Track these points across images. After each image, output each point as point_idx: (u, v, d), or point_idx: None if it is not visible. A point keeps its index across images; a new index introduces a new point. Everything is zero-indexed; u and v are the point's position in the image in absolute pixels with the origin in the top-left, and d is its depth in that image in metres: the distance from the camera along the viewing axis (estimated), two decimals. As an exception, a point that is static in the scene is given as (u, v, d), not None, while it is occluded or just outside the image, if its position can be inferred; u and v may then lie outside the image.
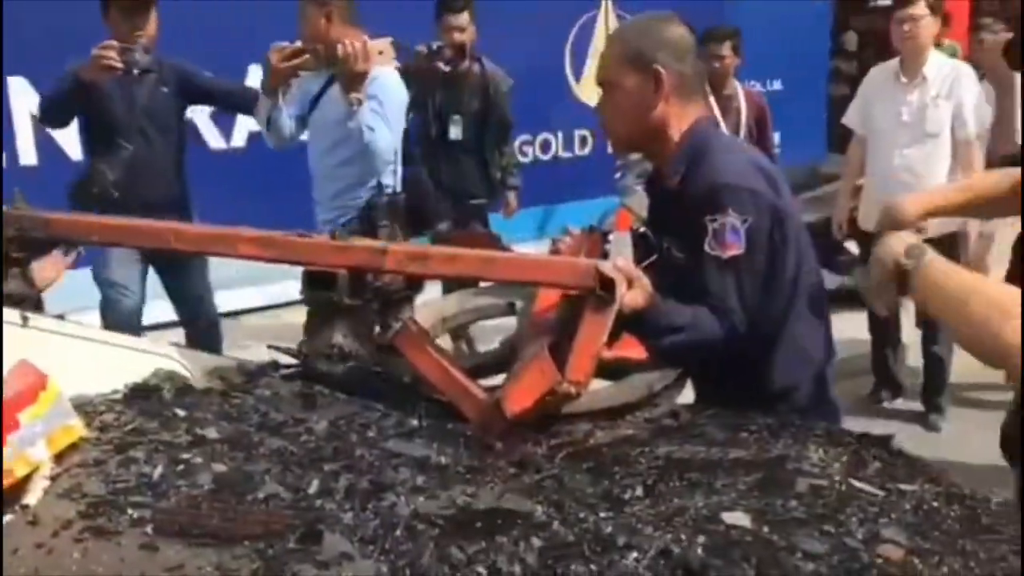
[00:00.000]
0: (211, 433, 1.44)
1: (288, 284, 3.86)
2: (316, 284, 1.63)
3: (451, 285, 2.60)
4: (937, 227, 2.56)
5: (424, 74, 4.33)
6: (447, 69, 4.37)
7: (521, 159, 6.49)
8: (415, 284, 1.72)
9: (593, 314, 1.51)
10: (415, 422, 1.48)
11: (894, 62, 4.10)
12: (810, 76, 7.99)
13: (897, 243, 1.48)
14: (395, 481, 1.25)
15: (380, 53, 3.28)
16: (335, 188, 3.60)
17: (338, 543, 1.09)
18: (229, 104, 4.32)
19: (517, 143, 6.46)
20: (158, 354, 1.80)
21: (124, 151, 3.60)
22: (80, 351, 1.73)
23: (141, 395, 1.60)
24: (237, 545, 1.09)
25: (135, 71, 3.48)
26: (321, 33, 3.43)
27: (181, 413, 1.52)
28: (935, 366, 4.20)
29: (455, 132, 4.54)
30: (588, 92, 6.72)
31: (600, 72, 1.97)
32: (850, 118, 4.28)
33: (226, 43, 5.04)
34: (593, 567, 1.03)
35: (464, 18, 4.43)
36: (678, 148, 1.89)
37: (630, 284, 1.56)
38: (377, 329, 1.63)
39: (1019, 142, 2.81)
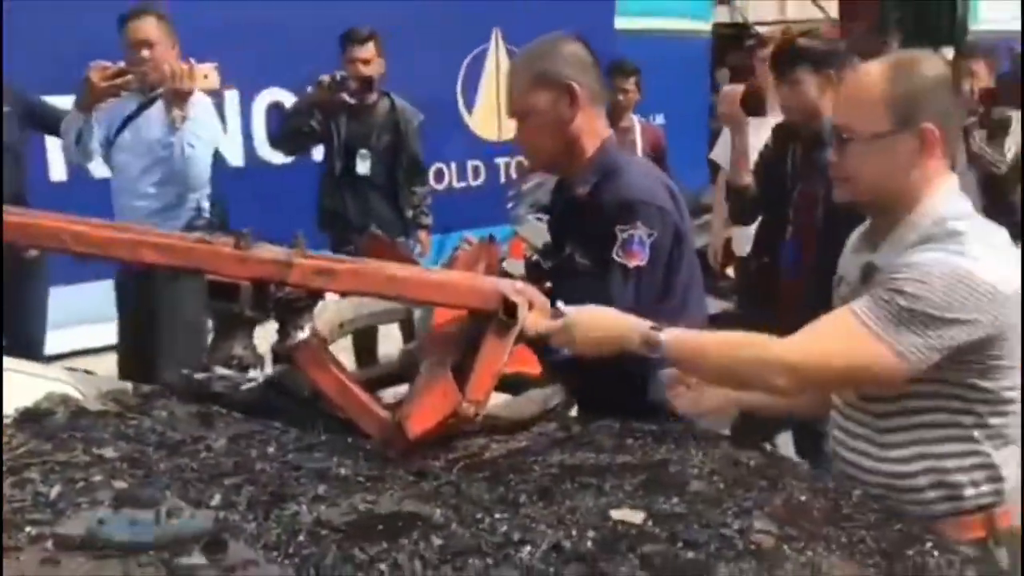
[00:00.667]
0: (108, 452, 1.45)
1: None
2: (218, 295, 1.62)
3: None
4: None
5: (328, 106, 4.33)
6: (352, 101, 4.36)
7: (414, 189, 6.56)
8: (317, 294, 1.74)
9: (495, 337, 1.57)
10: (315, 437, 1.52)
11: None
12: (692, 110, 8.31)
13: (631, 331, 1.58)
14: (296, 492, 1.29)
15: (205, 76, 3.44)
16: (149, 209, 3.60)
17: (242, 551, 1.12)
18: (43, 125, 4.12)
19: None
20: (49, 378, 1.79)
21: None
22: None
23: (33, 418, 1.59)
24: (142, 555, 1.11)
25: None
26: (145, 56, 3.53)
27: (76, 435, 1.52)
28: None
29: (363, 167, 4.45)
30: (480, 124, 6.85)
31: (513, 104, 2.01)
32: (716, 153, 4.50)
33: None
34: (489, 560, 1.09)
35: (369, 50, 4.40)
36: (590, 161, 1.98)
37: (531, 306, 1.63)
38: (276, 338, 1.64)
39: (749, 179, 3.23)
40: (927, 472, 1.53)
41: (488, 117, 6.88)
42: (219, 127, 3.79)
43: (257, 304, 1.65)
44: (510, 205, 5.39)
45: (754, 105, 3.28)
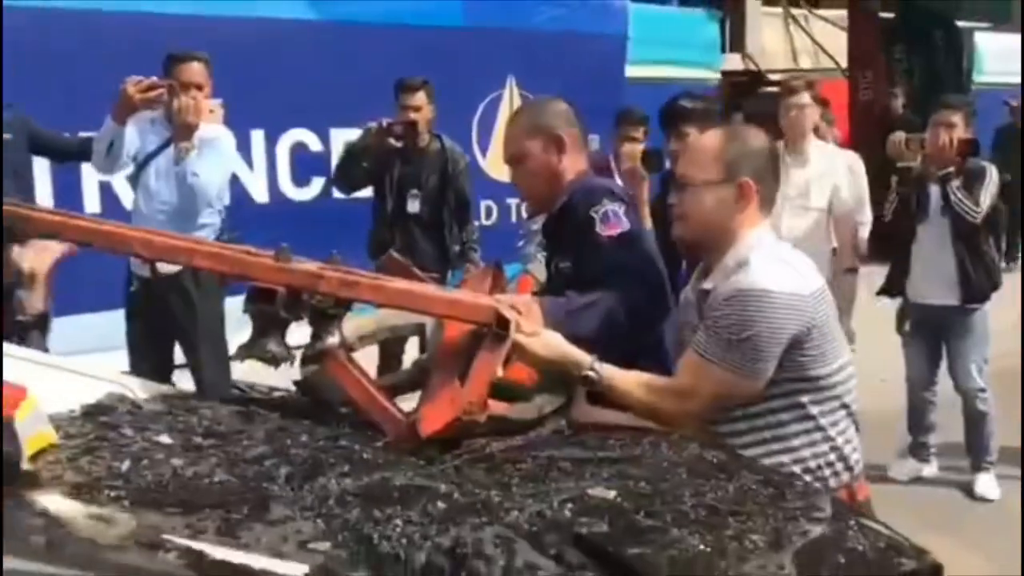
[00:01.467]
0: (164, 439, 1.71)
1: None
2: (258, 298, 1.90)
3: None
4: None
5: (378, 150, 4.67)
6: (399, 145, 4.70)
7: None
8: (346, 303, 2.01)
9: (489, 347, 1.83)
10: (341, 431, 1.77)
11: (779, 144, 4.66)
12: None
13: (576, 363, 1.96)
14: (325, 469, 1.54)
15: (211, 112, 4.03)
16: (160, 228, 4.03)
17: (282, 510, 1.37)
18: (68, 155, 4.65)
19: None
20: (108, 380, 2.05)
21: None
22: (36, 375, 1.97)
23: (97, 412, 1.85)
24: (201, 512, 1.36)
25: None
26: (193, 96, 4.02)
27: (135, 426, 1.78)
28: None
29: (413, 206, 4.82)
30: (493, 166, 7.15)
31: (510, 149, 2.40)
32: None
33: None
34: (484, 519, 1.34)
35: (420, 97, 4.79)
36: (568, 187, 2.37)
37: (520, 312, 1.89)
38: (309, 341, 1.90)
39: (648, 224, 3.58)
40: (793, 463, 1.93)
41: (501, 160, 7.19)
42: (232, 158, 4.32)
43: (289, 307, 1.92)
44: (520, 244, 5.68)
45: (653, 163, 3.77)
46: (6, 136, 3.99)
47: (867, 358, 5.84)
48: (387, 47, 6.26)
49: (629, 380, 1.99)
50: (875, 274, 4.95)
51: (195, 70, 4.10)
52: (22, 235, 2.13)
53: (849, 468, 2.00)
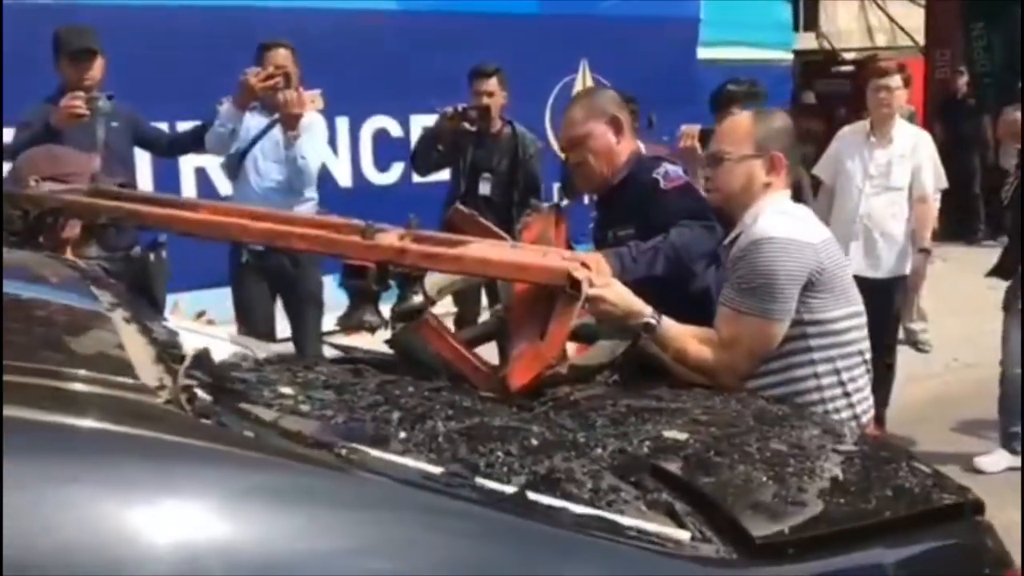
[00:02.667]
0: (287, 391, 1.94)
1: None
2: (352, 275, 2.13)
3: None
4: None
5: (452, 134, 4.90)
6: (472, 129, 4.92)
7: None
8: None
9: (563, 306, 2.03)
10: (442, 383, 1.99)
11: (865, 123, 4.75)
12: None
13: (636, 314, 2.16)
14: (432, 414, 1.76)
15: (312, 101, 4.37)
16: (273, 202, 4.33)
17: (399, 445, 1.59)
18: (163, 153, 4.96)
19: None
20: (232, 341, 2.31)
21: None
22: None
23: (227, 368, 2.09)
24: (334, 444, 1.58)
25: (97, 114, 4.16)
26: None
27: (261, 381, 2.02)
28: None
29: (485, 188, 5.01)
30: (567, 148, 7.31)
31: (572, 131, 2.65)
32: (820, 169, 4.90)
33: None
34: (572, 454, 1.54)
35: (492, 83, 4.99)
36: (624, 164, 2.63)
37: (589, 267, 2.09)
38: (396, 301, 2.13)
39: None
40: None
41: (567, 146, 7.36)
42: (325, 140, 4.76)
43: (380, 280, 2.14)
44: (592, 225, 5.85)
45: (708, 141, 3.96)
46: (113, 124, 4.32)
47: (940, 338, 5.92)
48: (464, 35, 6.46)
49: (684, 331, 2.21)
50: (947, 254, 4.99)
51: (282, 56, 4.45)
52: (134, 227, 2.39)
53: (855, 416, 2.20)
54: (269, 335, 4.41)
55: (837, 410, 2.17)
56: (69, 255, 2.26)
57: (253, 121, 4.51)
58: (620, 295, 2.16)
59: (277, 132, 4.46)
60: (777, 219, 2.22)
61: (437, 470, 1.35)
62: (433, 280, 2.42)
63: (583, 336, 2.17)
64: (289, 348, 4.12)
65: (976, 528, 1.52)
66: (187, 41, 5.50)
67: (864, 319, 2.27)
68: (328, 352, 2.68)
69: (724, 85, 4.12)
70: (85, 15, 4.83)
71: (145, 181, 5.48)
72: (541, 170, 5.21)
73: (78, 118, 4.01)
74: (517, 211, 5.09)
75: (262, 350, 2.32)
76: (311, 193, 4.59)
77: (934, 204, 4.70)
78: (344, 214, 5.19)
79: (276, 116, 4.42)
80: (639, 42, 7.40)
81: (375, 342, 2.38)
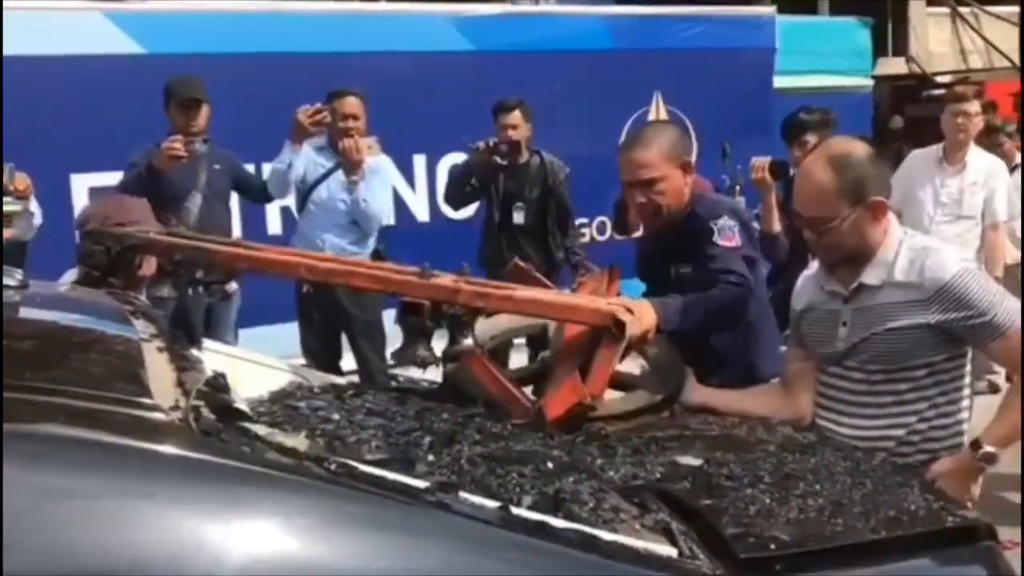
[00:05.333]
0: (333, 416, 2.07)
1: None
2: (409, 312, 2.26)
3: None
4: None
5: (485, 167, 5.07)
6: (503, 162, 5.08)
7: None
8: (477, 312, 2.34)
9: (607, 346, 2.11)
10: (476, 410, 2.09)
11: (937, 147, 4.70)
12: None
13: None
14: (461, 438, 1.86)
15: (369, 147, 4.64)
16: (340, 245, 4.70)
17: (426, 467, 1.70)
18: (255, 197, 5.21)
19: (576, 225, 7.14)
20: (288, 371, 2.46)
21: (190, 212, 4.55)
22: (235, 367, 2.39)
23: (280, 396, 2.24)
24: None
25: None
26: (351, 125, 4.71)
27: (311, 407, 2.16)
28: None
29: (518, 218, 5.18)
30: (641, 179, 7.36)
31: (646, 172, 2.64)
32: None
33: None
34: (584, 475, 1.62)
35: (516, 116, 5.15)
36: (688, 205, 2.69)
37: (633, 312, 2.16)
38: (447, 343, 2.25)
39: (778, 228, 3.91)
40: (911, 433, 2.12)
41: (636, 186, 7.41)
42: (394, 181, 5.18)
43: (434, 317, 2.26)
44: (640, 259, 5.89)
45: (780, 172, 4.00)
46: (215, 167, 4.63)
47: None
48: (539, 73, 6.62)
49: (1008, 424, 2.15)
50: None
51: (351, 103, 4.76)
52: (208, 267, 2.57)
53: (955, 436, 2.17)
54: (334, 366, 4.61)
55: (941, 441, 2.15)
56: (143, 295, 2.46)
57: (320, 159, 4.79)
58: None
59: (340, 175, 4.75)
60: (955, 251, 2.24)
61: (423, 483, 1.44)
62: (484, 327, 2.55)
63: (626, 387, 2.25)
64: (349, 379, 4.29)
65: (986, 553, 1.54)
66: (273, 88, 5.78)
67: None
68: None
69: (796, 113, 4.16)
70: (180, 65, 5.13)
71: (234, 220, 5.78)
72: (571, 195, 5.34)
73: (177, 160, 4.34)
74: (552, 238, 5.21)
75: (319, 380, 2.47)
76: (373, 234, 4.86)
77: (1007, 233, 4.60)
78: (421, 249, 5.42)
79: (338, 162, 4.74)
80: (714, 73, 7.43)
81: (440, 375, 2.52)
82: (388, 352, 5.20)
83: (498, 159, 5.07)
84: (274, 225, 6.12)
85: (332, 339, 4.97)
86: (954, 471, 2.03)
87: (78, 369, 1.38)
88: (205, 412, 1.24)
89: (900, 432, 2.13)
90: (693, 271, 2.59)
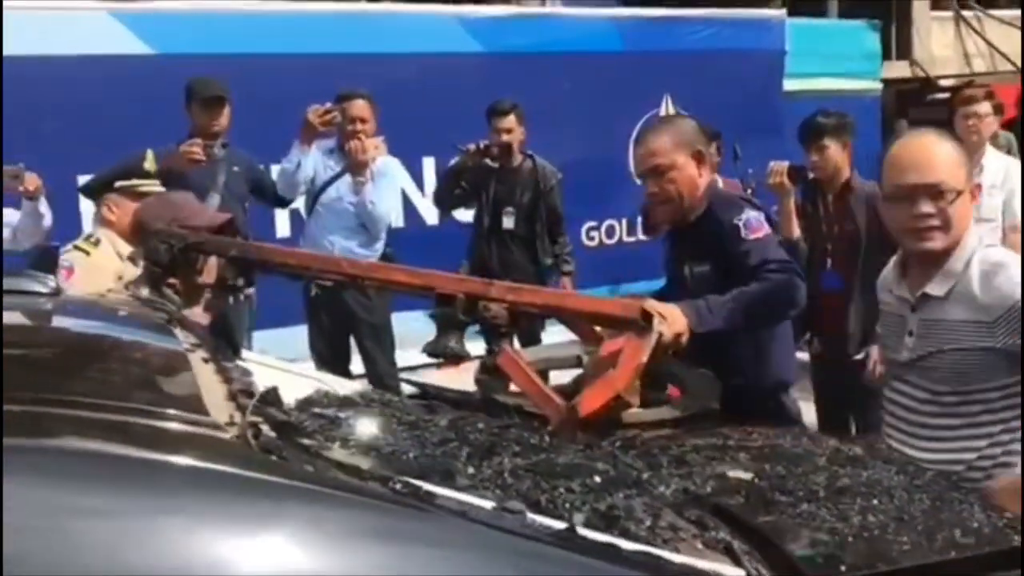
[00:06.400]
0: (371, 429, 2.01)
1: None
2: (441, 302, 2.22)
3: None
4: None
5: (476, 170, 5.01)
6: (495, 166, 5.03)
7: (588, 243, 7.11)
8: (516, 323, 2.29)
9: (635, 337, 2.07)
10: (512, 421, 2.04)
11: None
12: (861, 163, 8.50)
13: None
14: (500, 450, 1.80)
15: (376, 148, 4.65)
16: (350, 247, 4.69)
17: (466, 481, 1.64)
18: (271, 200, 5.15)
19: (584, 228, 7.08)
20: (315, 378, 2.40)
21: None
22: (261, 373, 2.33)
23: (309, 404, 2.18)
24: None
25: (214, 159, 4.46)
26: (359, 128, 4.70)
27: (340, 416, 2.10)
28: None
29: (508, 223, 5.13)
30: (650, 183, 7.31)
31: (655, 160, 2.60)
32: None
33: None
34: (635, 491, 1.56)
35: (510, 120, 5.09)
36: (703, 198, 2.63)
37: (665, 316, 2.11)
38: (484, 354, 2.20)
39: (797, 233, 3.94)
40: (982, 457, 2.01)
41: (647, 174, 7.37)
42: (402, 183, 5.29)
43: (467, 310, 2.22)
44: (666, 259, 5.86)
45: (797, 177, 4.01)
46: (234, 169, 4.59)
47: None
48: (549, 74, 6.57)
49: None
50: None
51: (359, 106, 4.72)
52: (259, 266, 2.55)
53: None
54: (344, 369, 4.57)
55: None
56: (201, 309, 2.40)
57: (329, 162, 4.76)
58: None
59: (348, 178, 4.75)
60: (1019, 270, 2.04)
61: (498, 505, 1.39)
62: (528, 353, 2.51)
63: (670, 378, 2.20)
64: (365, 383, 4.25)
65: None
66: (281, 90, 5.72)
67: None
68: (405, 388, 2.78)
69: (814, 117, 4.09)
70: (187, 66, 5.07)
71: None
72: (562, 202, 5.27)
73: (196, 163, 4.32)
74: (540, 243, 5.15)
75: (343, 387, 2.41)
76: (381, 236, 4.84)
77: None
78: (431, 251, 5.36)
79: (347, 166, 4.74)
80: (723, 75, 7.39)
81: (450, 379, 2.46)
82: (408, 354, 5.21)
83: (489, 162, 5.01)
84: (283, 227, 6.06)
85: (341, 342, 4.93)
86: (1010, 489, 1.93)
87: (126, 383, 1.32)
88: (264, 428, 1.18)
89: (971, 456, 2.03)
90: (716, 270, 2.55)
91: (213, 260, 2.54)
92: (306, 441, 1.26)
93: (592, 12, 7.63)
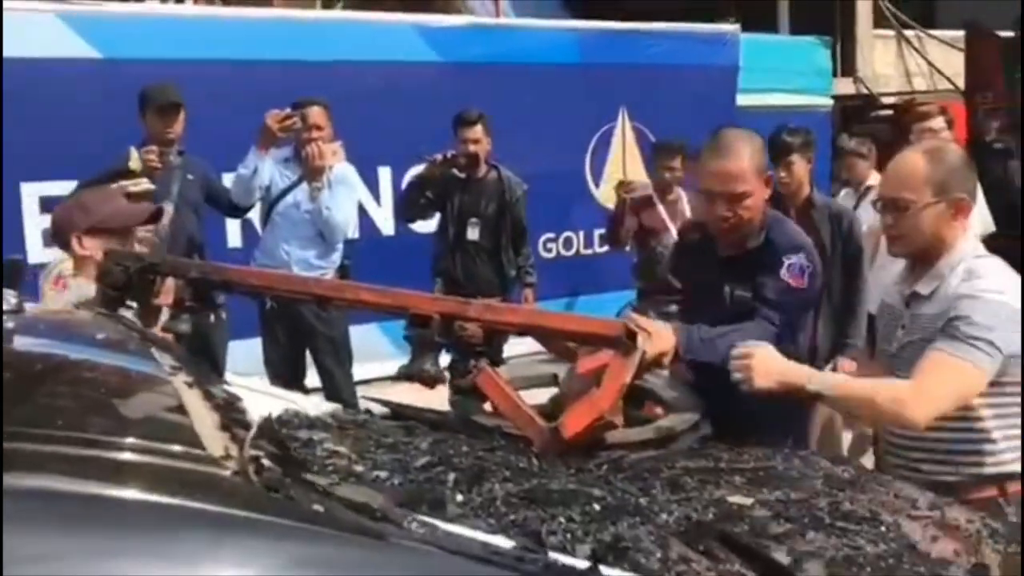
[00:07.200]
0: (342, 449, 1.92)
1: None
2: (416, 324, 2.12)
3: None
4: None
5: (440, 180, 4.94)
6: (461, 176, 4.96)
7: (545, 255, 7.06)
8: (491, 341, 2.22)
9: (619, 356, 2.00)
10: (496, 442, 1.95)
11: None
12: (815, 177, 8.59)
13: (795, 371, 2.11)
14: (488, 475, 1.72)
15: (333, 153, 4.57)
16: (306, 257, 4.62)
17: (455, 509, 1.56)
18: (226, 209, 5.01)
19: (542, 240, 7.03)
20: (284, 398, 2.29)
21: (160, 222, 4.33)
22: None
23: (278, 424, 2.08)
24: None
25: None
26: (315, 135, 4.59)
27: (313, 438, 2.00)
28: None
29: (473, 234, 5.05)
30: (606, 195, 7.32)
31: (733, 184, 2.49)
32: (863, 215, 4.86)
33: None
34: (637, 519, 1.49)
35: (477, 131, 5.02)
36: (761, 224, 2.58)
37: (649, 334, 2.05)
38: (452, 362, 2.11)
39: None
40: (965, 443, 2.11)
41: (612, 191, 7.37)
42: (358, 192, 5.07)
43: (444, 332, 2.13)
44: (672, 269, 5.80)
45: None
46: (189, 177, 4.44)
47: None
48: (507, 85, 6.52)
49: (855, 390, 2.16)
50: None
51: (316, 113, 4.63)
52: (223, 286, 2.43)
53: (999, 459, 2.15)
54: (298, 383, 4.45)
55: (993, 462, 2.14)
56: (159, 329, 2.28)
57: (286, 171, 4.67)
58: (773, 354, 2.14)
59: (304, 186, 4.65)
60: (1010, 283, 2.14)
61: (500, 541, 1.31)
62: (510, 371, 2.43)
63: (649, 396, 2.13)
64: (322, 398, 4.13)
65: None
66: (235, 97, 5.58)
67: None
68: (363, 405, 2.67)
69: (780, 134, 4.12)
70: (138, 71, 4.92)
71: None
72: (526, 213, 5.24)
73: (153, 170, 4.17)
74: (505, 255, 5.10)
75: (312, 407, 2.31)
76: (338, 246, 4.76)
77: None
78: (387, 261, 5.24)
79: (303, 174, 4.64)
80: (679, 89, 7.42)
81: (407, 395, 2.38)
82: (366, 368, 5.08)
83: (455, 172, 4.95)
84: (234, 238, 5.91)
85: (296, 355, 4.81)
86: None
87: (112, 413, 1.20)
88: (266, 463, 1.09)
89: (942, 447, 2.14)
90: (754, 298, 2.51)
91: (170, 281, 2.42)
92: (312, 478, 1.16)
93: (550, 24, 7.61)
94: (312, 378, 4.89)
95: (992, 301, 2.08)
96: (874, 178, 5.19)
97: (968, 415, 2.12)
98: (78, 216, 2.70)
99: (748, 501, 1.63)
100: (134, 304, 2.24)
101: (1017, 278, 2.17)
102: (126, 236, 2.70)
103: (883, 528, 1.53)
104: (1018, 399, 2.10)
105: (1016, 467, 2.11)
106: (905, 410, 2.05)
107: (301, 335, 4.72)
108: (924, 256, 2.23)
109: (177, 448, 1.07)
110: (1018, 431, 2.11)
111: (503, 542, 1.23)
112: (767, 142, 4.19)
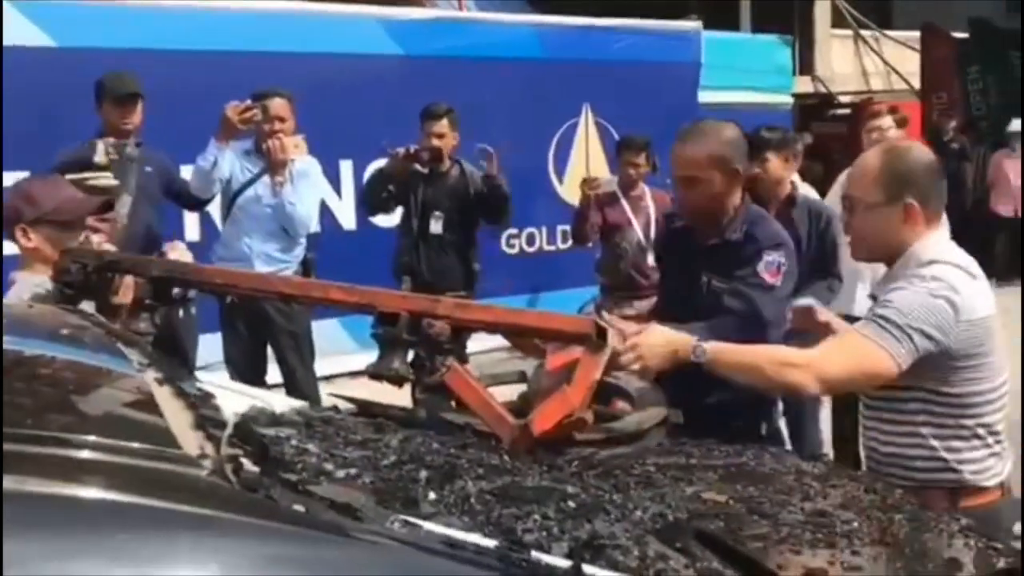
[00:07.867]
0: (312, 447, 1.88)
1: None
2: (384, 322, 2.09)
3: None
4: None
5: (404, 174, 4.90)
6: (424, 170, 4.93)
7: (508, 251, 7.05)
8: (459, 337, 2.19)
9: (589, 354, 1.99)
10: (467, 439, 1.93)
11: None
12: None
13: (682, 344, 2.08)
14: (461, 473, 1.70)
15: (296, 147, 4.46)
16: (267, 251, 4.56)
17: (428, 506, 1.53)
18: (185, 202, 4.95)
19: (504, 236, 7.01)
20: (252, 395, 2.25)
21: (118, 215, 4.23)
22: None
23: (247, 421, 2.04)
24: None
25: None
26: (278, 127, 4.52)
27: (281, 435, 1.96)
28: None
29: (436, 227, 5.01)
30: (569, 191, 7.32)
31: (686, 170, 2.55)
32: (830, 199, 4.89)
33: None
34: (613, 517, 1.48)
35: (444, 125, 4.98)
36: (737, 216, 2.59)
37: (624, 338, 2.04)
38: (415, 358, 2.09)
39: None
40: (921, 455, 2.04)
41: (577, 185, 7.37)
42: (321, 186, 4.92)
43: (411, 331, 2.10)
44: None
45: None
46: (147, 169, 4.35)
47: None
48: (468, 79, 6.48)
49: (748, 354, 2.09)
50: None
51: (278, 105, 4.53)
52: (191, 287, 2.38)
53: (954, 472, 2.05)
54: (259, 379, 4.38)
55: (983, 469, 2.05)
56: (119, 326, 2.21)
57: (248, 165, 4.57)
58: (659, 333, 2.11)
59: (266, 179, 4.55)
60: (961, 279, 2.03)
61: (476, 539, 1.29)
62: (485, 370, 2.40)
63: (616, 392, 2.12)
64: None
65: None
66: (195, 87, 5.48)
67: (1007, 387, 2.09)
68: (327, 400, 2.63)
69: (757, 131, 4.14)
70: (94, 60, 4.81)
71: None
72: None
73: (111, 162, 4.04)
74: (473, 249, 5.10)
75: (278, 403, 2.26)
76: (301, 240, 4.68)
77: None
78: (348, 256, 5.16)
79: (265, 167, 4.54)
80: (641, 86, 7.43)
81: (367, 391, 2.35)
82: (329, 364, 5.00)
83: (419, 166, 4.91)
84: (192, 231, 5.81)
85: (257, 350, 4.74)
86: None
87: (88, 413, 1.16)
88: (244, 462, 1.05)
89: (892, 451, 2.08)
90: (729, 289, 2.53)
91: (129, 279, 2.36)
92: (291, 476, 1.12)
93: (513, 18, 7.59)
94: (273, 374, 4.83)
95: (926, 296, 1.98)
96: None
97: (904, 420, 2.05)
98: (24, 207, 2.58)
99: (722, 497, 1.63)
100: (91, 302, 2.18)
101: (991, 299, 2.07)
102: (75, 228, 2.59)
103: (856, 524, 1.54)
104: (966, 415, 2.02)
105: (972, 479, 2.03)
106: (792, 373, 2.01)
107: (262, 329, 4.66)
108: (885, 260, 2.18)
109: (151, 447, 1.03)
110: (972, 445, 2.03)
111: (480, 540, 1.20)
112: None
